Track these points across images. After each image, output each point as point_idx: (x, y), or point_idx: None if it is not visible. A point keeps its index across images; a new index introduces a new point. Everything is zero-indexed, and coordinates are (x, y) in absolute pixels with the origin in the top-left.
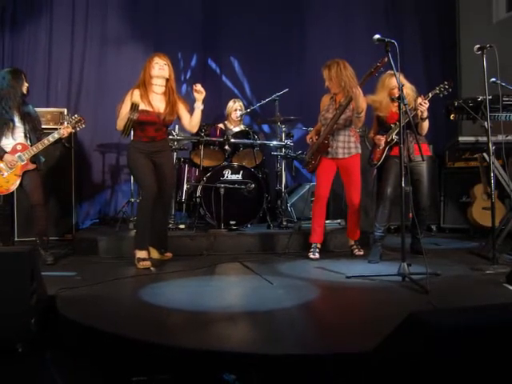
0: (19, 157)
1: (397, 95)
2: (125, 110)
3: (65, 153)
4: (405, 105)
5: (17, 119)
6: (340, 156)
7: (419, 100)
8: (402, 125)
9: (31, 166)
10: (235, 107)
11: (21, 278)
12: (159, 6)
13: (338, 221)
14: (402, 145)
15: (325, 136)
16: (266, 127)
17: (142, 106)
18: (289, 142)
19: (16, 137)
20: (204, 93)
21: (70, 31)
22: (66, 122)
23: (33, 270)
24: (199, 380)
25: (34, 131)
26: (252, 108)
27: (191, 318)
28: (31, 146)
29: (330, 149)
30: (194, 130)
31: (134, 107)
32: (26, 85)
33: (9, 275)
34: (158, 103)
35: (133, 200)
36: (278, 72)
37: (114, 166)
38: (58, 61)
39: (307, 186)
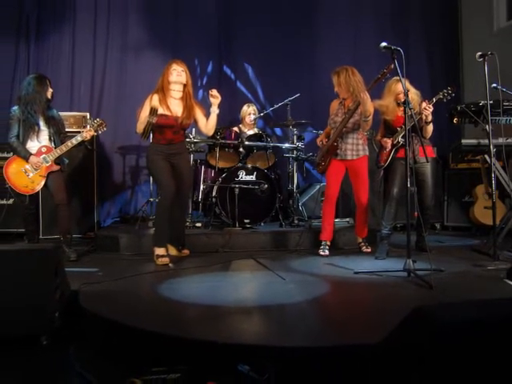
0: (44, 158)
1: (402, 100)
2: (144, 114)
3: (87, 154)
4: (410, 109)
5: (42, 123)
6: (349, 157)
7: (424, 104)
8: (407, 128)
9: (55, 168)
10: (249, 111)
11: (45, 273)
12: (177, 15)
13: (347, 219)
14: (407, 147)
15: (334, 139)
16: (278, 130)
17: (161, 111)
18: (300, 144)
19: (41, 139)
20: (219, 98)
21: (92, 38)
22: (88, 126)
23: (57, 265)
24: (215, 370)
25: (58, 134)
26: (265, 112)
27: (207, 312)
28: (55, 148)
29: (339, 151)
30: (210, 133)
31: (153, 111)
32: (50, 90)
33: (34, 271)
34: (176, 107)
35: (152, 200)
36: (290, 77)
37: (133, 167)
38: (81, 67)
39: (317, 187)
